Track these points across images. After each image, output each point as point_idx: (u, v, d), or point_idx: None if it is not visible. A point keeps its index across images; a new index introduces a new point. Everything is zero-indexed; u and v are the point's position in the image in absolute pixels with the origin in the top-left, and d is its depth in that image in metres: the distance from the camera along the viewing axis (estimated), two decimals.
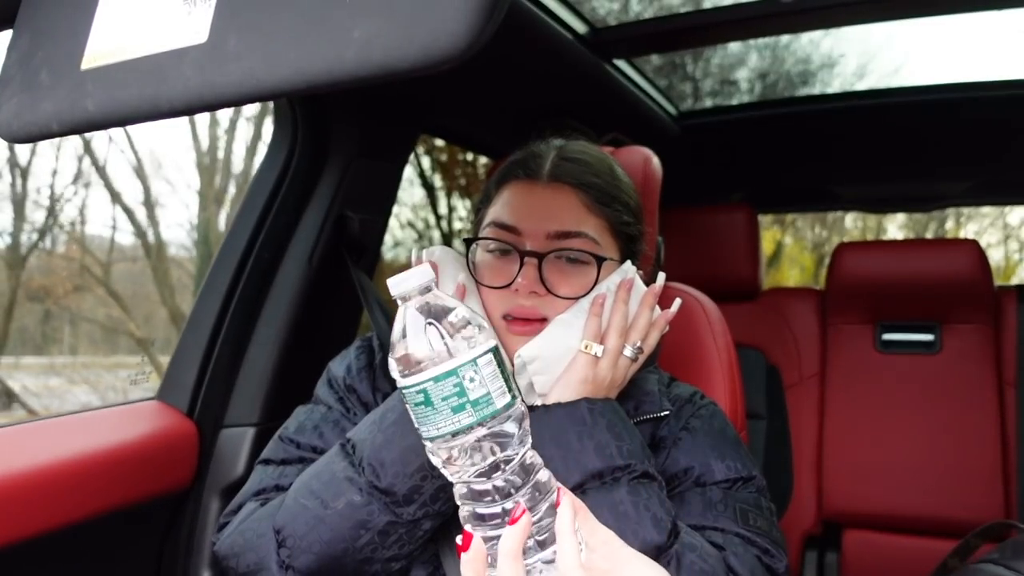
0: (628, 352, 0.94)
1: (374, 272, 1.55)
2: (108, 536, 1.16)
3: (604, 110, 1.88)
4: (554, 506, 0.63)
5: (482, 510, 0.61)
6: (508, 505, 0.61)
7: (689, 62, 2.45)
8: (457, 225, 6.59)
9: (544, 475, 0.64)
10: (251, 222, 1.38)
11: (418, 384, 0.59)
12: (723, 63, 2.48)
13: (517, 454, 0.61)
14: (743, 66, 2.51)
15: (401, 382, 0.61)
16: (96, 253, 5.91)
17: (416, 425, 0.62)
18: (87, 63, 0.63)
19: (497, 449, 0.60)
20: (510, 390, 0.61)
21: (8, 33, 0.72)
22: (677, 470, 0.94)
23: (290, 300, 1.38)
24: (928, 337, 2.20)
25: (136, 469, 1.18)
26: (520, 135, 1.16)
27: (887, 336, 2.25)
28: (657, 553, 0.80)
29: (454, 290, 0.98)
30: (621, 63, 1.75)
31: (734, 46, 2.38)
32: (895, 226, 8.13)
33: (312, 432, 1.00)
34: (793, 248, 9.16)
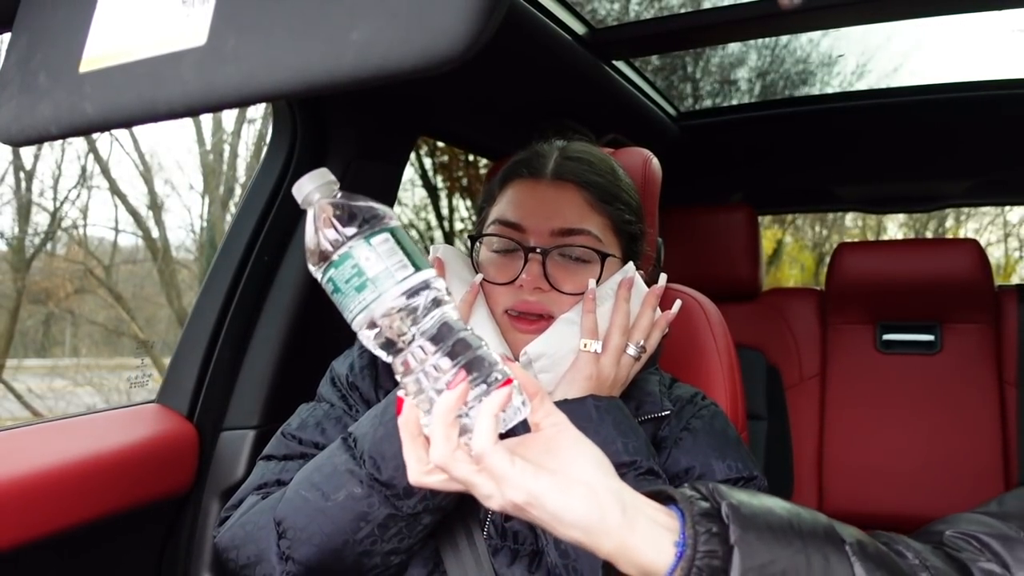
0: (631, 351, 0.96)
1: None
2: (109, 539, 1.16)
3: (603, 111, 1.88)
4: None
5: (408, 379, 0.63)
6: (435, 374, 0.62)
7: (689, 62, 2.45)
8: (459, 226, 6.59)
9: (486, 354, 0.63)
10: (251, 224, 1.38)
11: (325, 275, 0.63)
12: (723, 63, 2.48)
13: (432, 319, 0.62)
14: (742, 66, 2.51)
15: (322, 268, 0.63)
16: (99, 255, 5.92)
17: (343, 310, 0.63)
18: (85, 66, 0.63)
19: (410, 320, 0.62)
20: (414, 264, 0.62)
21: (7, 36, 0.72)
22: (678, 470, 0.94)
23: (290, 302, 1.38)
24: (928, 337, 2.20)
25: (136, 472, 1.18)
26: (519, 137, 1.17)
27: (887, 336, 2.24)
28: None
29: (467, 290, 0.99)
30: (620, 64, 1.75)
31: (733, 46, 2.38)
32: (895, 225, 8.13)
33: (314, 429, 1.02)
34: (793, 247, 9.17)
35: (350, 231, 0.62)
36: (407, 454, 0.63)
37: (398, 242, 0.63)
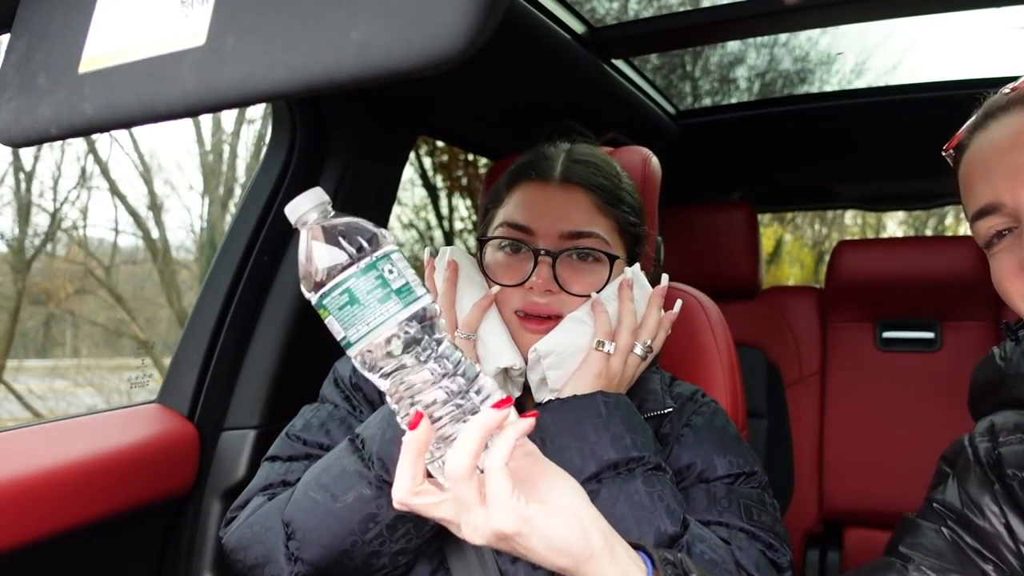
0: (639, 350, 0.97)
1: None
2: (109, 540, 1.16)
3: (603, 110, 1.88)
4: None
5: (420, 397, 0.63)
6: (452, 387, 0.62)
7: (688, 61, 2.44)
8: (458, 225, 6.59)
9: (481, 379, 0.64)
10: (250, 224, 1.38)
11: (340, 285, 0.61)
12: (721, 62, 2.48)
13: (444, 338, 0.63)
14: (741, 64, 2.51)
15: (321, 291, 0.62)
16: (99, 256, 5.92)
17: (343, 334, 0.62)
18: (85, 66, 0.63)
19: (425, 336, 0.62)
20: (412, 291, 0.62)
21: (6, 37, 0.72)
22: (680, 466, 0.95)
23: (290, 302, 1.38)
24: (928, 335, 2.20)
25: (137, 473, 1.18)
26: (519, 136, 1.17)
27: (887, 334, 2.24)
28: (671, 542, 0.82)
29: (482, 296, 0.99)
30: (620, 63, 1.75)
31: (732, 45, 2.37)
32: (895, 222, 8.13)
33: (319, 430, 1.02)
34: (793, 245, 9.16)
35: (346, 257, 0.61)
36: (403, 470, 0.64)
37: (396, 268, 0.62)
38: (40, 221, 5.66)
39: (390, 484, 0.86)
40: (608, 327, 0.95)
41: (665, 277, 1.03)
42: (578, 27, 1.50)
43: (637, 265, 1.04)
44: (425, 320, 0.62)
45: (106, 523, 1.12)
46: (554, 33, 1.41)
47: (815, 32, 2.38)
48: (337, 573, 0.88)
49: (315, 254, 0.62)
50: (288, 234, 1.41)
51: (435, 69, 0.49)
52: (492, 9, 0.47)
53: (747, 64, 2.52)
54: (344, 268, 0.60)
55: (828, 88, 2.62)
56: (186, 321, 1.40)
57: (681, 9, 1.94)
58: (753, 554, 0.85)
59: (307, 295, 0.63)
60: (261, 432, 1.34)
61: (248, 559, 0.92)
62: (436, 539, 0.92)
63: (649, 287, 1.02)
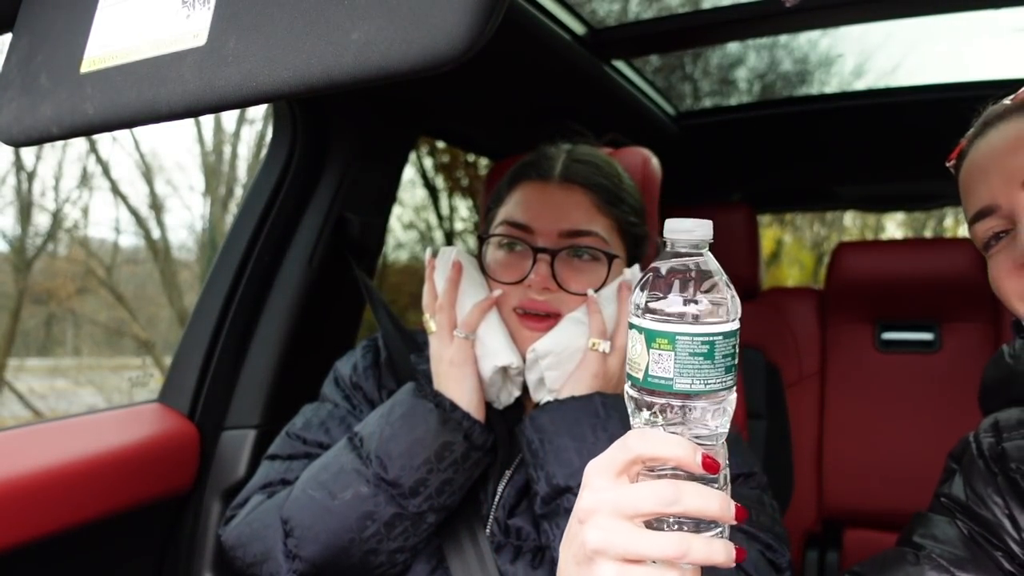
0: None
1: (374, 274, 1.55)
2: (110, 539, 1.17)
3: (603, 111, 1.88)
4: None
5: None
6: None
7: (688, 62, 2.44)
8: (459, 226, 6.59)
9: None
10: (251, 224, 1.38)
11: (706, 335, 0.56)
12: (722, 63, 2.48)
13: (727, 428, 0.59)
14: (741, 66, 2.51)
15: (677, 328, 0.56)
16: (100, 255, 5.92)
17: (671, 376, 0.56)
18: (86, 66, 0.64)
19: (721, 418, 0.58)
20: (734, 368, 0.59)
21: (8, 37, 0.72)
22: None
23: (290, 302, 1.38)
24: (928, 336, 2.20)
25: (137, 472, 1.18)
26: (519, 137, 1.17)
27: (887, 335, 2.24)
28: None
29: (483, 298, 0.99)
30: (620, 64, 1.75)
31: (732, 46, 2.37)
32: (894, 224, 8.13)
33: (318, 428, 1.02)
34: (793, 246, 9.17)
35: (722, 312, 0.56)
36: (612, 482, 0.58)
37: (734, 344, 0.58)
38: (42, 221, 5.67)
39: (387, 482, 0.87)
40: (603, 327, 0.95)
41: None
42: (579, 28, 1.50)
43: (636, 266, 1.04)
44: (721, 403, 0.58)
45: (106, 522, 1.12)
46: (554, 34, 1.41)
47: (815, 34, 2.38)
48: (335, 571, 0.88)
49: (692, 287, 0.57)
50: (289, 234, 1.41)
51: (435, 70, 0.49)
52: (492, 10, 0.47)
53: (747, 66, 2.52)
54: (710, 318, 0.56)
55: (828, 90, 2.62)
56: (187, 321, 1.40)
57: (681, 10, 1.94)
58: (752, 555, 0.86)
59: (635, 314, 0.57)
60: (261, 432, 1.34)
61: (247, 556, 0.92)
62: (435, 538, 0.92)
63: None
